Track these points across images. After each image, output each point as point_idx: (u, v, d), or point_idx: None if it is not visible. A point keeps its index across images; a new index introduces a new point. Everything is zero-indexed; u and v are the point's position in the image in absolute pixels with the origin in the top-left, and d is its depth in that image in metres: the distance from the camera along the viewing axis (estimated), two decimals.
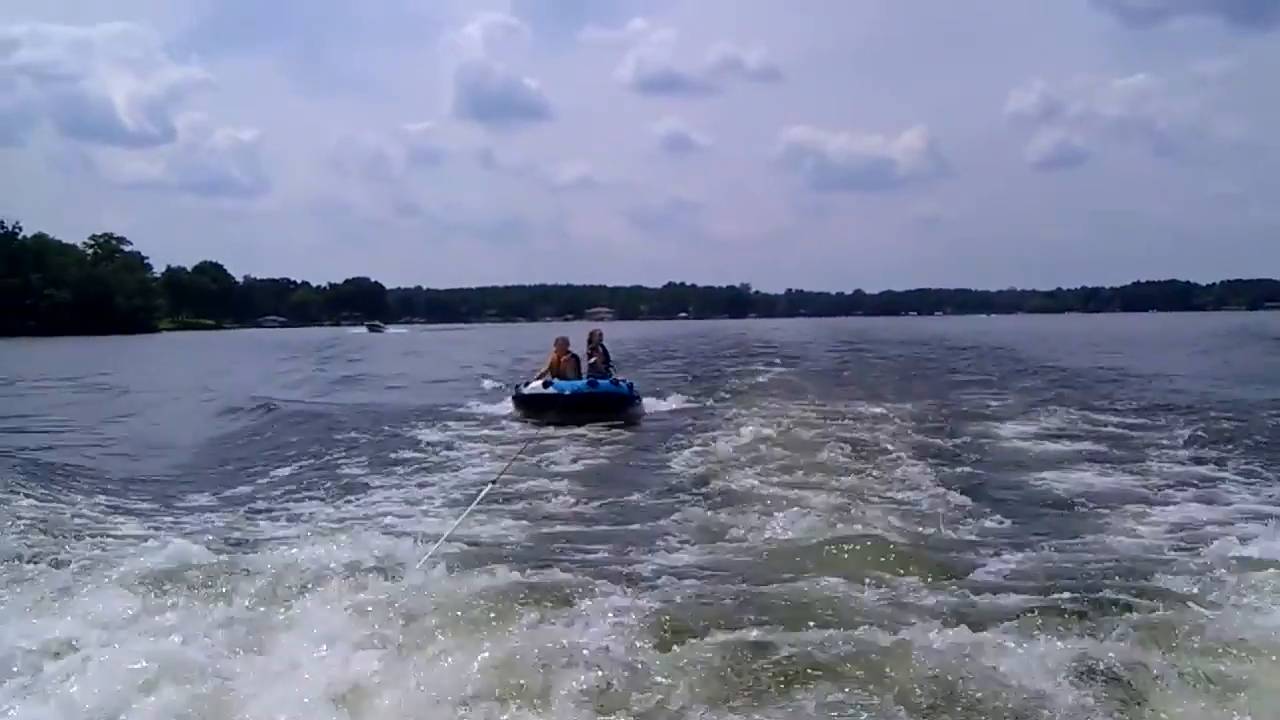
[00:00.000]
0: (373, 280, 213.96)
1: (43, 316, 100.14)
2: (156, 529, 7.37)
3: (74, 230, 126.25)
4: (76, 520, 7.53)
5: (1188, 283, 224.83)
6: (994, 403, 16.59)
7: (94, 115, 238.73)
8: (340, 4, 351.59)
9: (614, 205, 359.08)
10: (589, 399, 15.18)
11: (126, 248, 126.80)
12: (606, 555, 6.41)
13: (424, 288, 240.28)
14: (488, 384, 22.46)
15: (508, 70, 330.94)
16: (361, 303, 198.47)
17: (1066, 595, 4.85)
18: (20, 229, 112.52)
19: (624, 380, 16.64)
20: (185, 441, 14.47)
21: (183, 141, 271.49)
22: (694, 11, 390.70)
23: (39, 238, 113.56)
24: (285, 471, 10.99)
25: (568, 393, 15.17)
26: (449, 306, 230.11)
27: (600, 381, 15.93)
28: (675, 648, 4.19)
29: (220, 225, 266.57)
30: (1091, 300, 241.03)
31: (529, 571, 5.28)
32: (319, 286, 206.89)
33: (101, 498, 8.98)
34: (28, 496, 8.31)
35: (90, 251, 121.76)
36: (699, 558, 6.35)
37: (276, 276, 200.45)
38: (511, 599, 4.69)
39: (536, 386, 15.93)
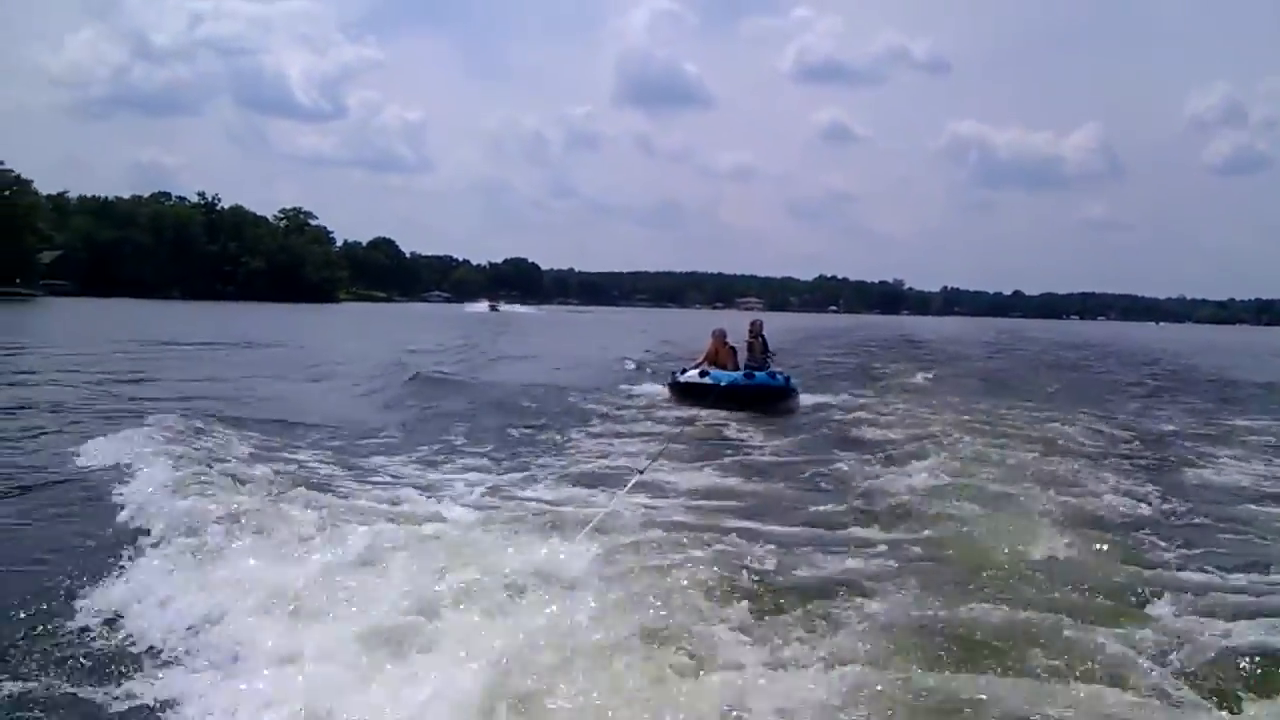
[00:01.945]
0: (530, 261, 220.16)
1: (240, 283, 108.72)
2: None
3: (247, 199, 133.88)
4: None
5: None
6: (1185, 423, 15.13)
7: (270, 89, 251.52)
8: None
9: (769, 194, 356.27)
10: (745, 390, 14.90)
11: (313, 221, 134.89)
12: (755, 551, 6.04)
13: (576, 269, 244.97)
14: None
15: (669, 56, 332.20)
16: (519, 282, 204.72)
17: None
18: (219, 200, 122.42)
19: (780, 372, 16.21)
20: (380, 409, 15.16)
21: (354, 118, 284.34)
22: (858, 0, 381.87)
23: (236, 209, 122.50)
24: (452, 443, 11.30)
25: (724, 383, 14.95)
26: (601, 288, 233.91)
27: (757, 373, 15.64)
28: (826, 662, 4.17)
29: (386, 200, 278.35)
30: (1265, 313, 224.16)
31: (677, 563, 5.35)
32: (479, 265, 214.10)
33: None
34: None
35: (282, 223, 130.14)
36: (855, 564, 6.07)
37: (439, 253, 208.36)
38: (660, 590, 4.84)
39: (693, 375, 15.76)
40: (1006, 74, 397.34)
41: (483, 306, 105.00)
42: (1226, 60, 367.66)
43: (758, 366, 16.15)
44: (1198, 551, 6.76)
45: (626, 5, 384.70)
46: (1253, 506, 8.53)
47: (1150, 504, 8.35)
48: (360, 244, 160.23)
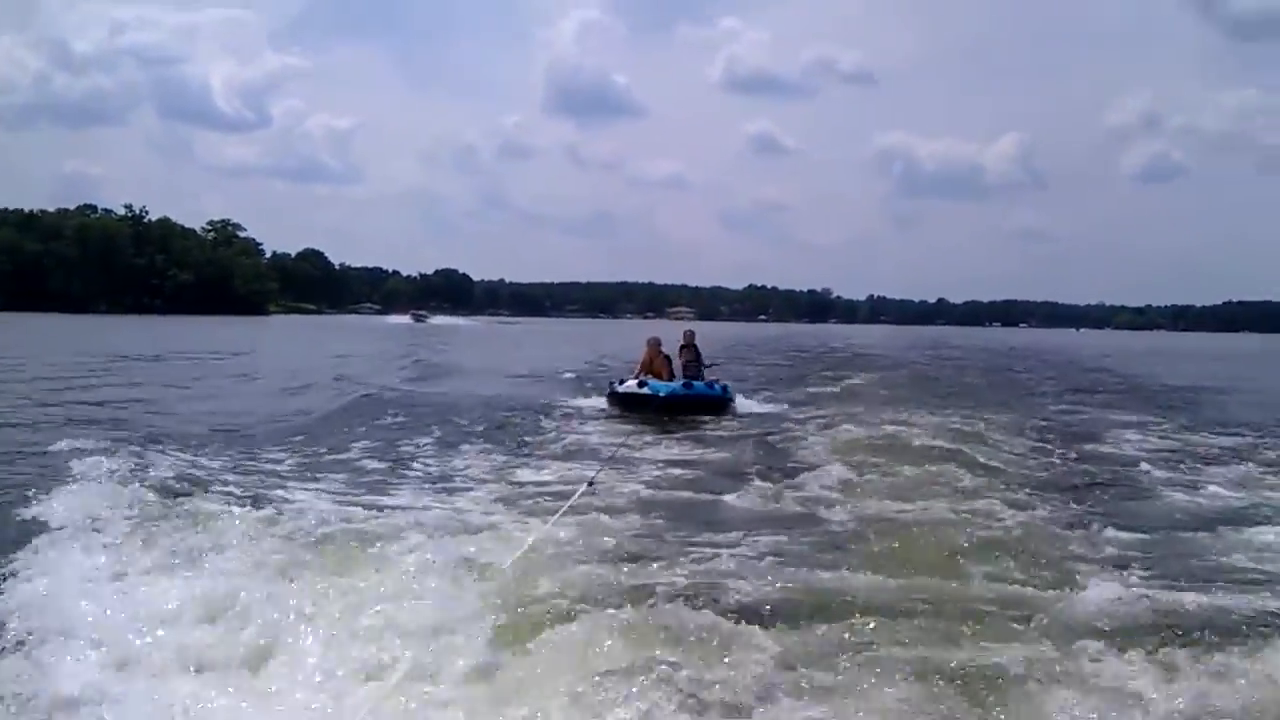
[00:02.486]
0: (460, 272, 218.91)
1: (167, 296, 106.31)
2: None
3: (172, 210, 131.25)
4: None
5: None
6: (1088, 413, 17.05)
7: (194, 99, 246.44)
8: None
9: (700, 205, 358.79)
10: (684, 400, 15.18)
11: (241, 233, 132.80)
12: (703, 551, 6.34)
13: (507, 280, 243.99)
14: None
15: (599, 66, 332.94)
16: (450, 293, 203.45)
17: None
18: (147, 212, 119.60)
19: (717, 381, 16.65)
20: (311, 418, 15.05)
21: (279, 127, 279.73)
22: (787, 12, 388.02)
23: (164, 221, 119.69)
24: (380, 458, 11.01)
25: (663, 394, 15.10)
26: (533, 300, 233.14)
27: (695, 383, 15.98)
28: (762, 640, 4.41)
29: (314, 211, 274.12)
30: (1181, 318, 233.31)
31: (623, 571, 5.39)
32: (409, 276, 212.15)
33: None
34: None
35: (210, 235, 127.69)
36: (785, 550, 6.48)
37: (369, 264, 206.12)
38: (603, 598, 4.87)
39: (631, 385, 15.80)
40: (930, 86, 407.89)
41: (406, 319, 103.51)
42: (1145, 70, 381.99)
43: (694, 376, 16.49)
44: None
45: (555, 15, 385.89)
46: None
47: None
48: (289, 255, 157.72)
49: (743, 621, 4.71)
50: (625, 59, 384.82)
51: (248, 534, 6.23)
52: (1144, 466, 10.91)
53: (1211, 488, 9.51)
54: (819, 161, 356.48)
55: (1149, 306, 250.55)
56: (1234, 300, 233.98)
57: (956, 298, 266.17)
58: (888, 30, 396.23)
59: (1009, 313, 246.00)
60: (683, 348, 17.26)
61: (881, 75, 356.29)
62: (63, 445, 9.74)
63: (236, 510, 6.86)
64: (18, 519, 6.93)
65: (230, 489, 8.14)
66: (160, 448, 10.21)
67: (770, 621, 4.81)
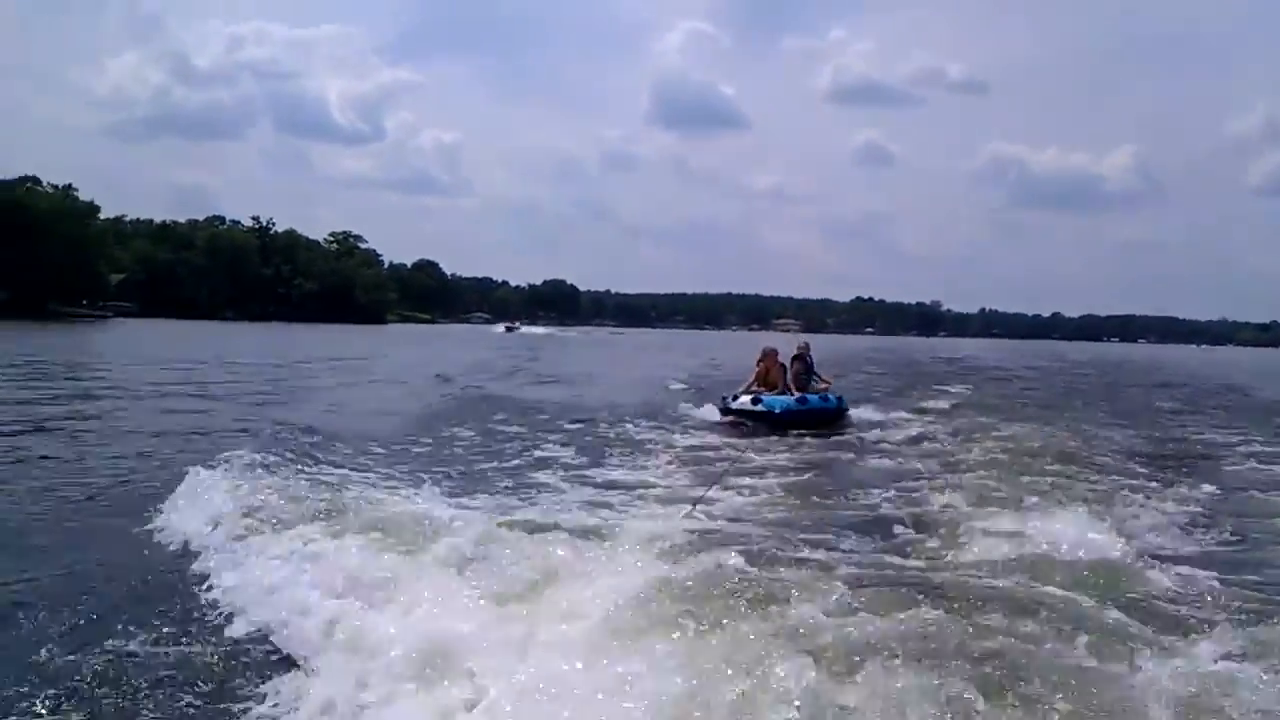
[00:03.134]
0: (568, 283, 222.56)
1: (293, 304, 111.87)
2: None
3: (285, 221, 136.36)
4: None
5: None
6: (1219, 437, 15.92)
7: (308, 113, 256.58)
8: (543, 13, 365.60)
9: (805, 216, 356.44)
10: (799, 415, 15.10)
11: (362, 245, 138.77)
12: (811, 568, 5.92)
13: (612, 291, 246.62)
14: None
15: (704, 78, 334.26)
16: (557, 303, 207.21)
17: None
18: (274, 224, 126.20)
19: (830, 393, 16.62)
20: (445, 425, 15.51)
21: (391, 140, 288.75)
22: (895, 21, 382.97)
23: (289, 233, 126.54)
24: (500, 459, 11.78)
25: (778, 410, 15.07)
26: (638, 310, 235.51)
27: (810, 397, 15.90)
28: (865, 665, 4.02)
29: (423, 221, 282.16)
30: None
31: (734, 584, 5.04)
32: (518, 286, 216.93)
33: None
34: None
35: (332, 246, 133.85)
36: (898, 575, 6.14)
37: (478, 274, 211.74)
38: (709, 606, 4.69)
39: (745, 401, 15.75)
40: (1043, 95, 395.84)
41: (500, 328, 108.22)
42: (1267, 80, 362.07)
43: (805, 387, 16.45)
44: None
45: (661, 27, 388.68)
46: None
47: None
48: (405, 266, 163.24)
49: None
50: (731, 70, 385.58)
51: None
52: None
53: None
54: (927, 172, 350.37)
55: (1274, 323, 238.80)
56: None
57: (1072, 311, 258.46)
58: (998, 38, 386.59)
59: (1127, 327, 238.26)
60: (795, 359, 17.15)
61: (992, 84, 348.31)
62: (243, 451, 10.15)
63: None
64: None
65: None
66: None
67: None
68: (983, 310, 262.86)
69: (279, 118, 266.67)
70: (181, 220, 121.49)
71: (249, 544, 6.81)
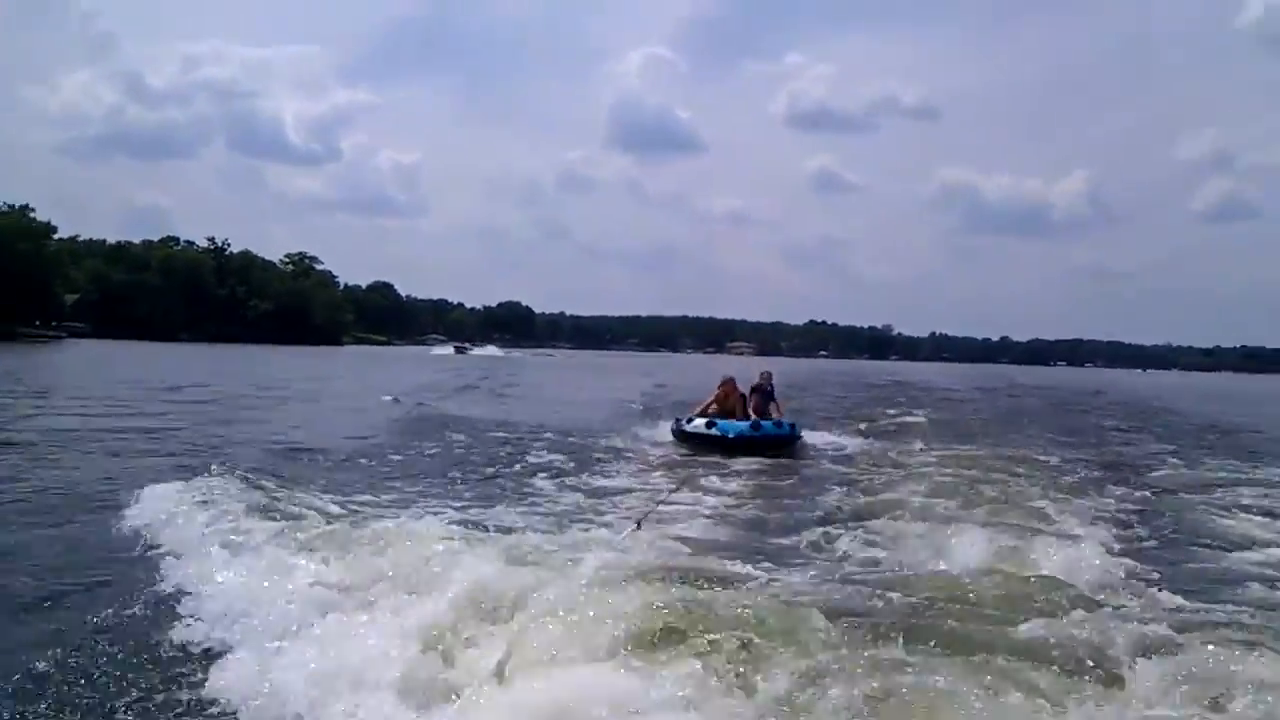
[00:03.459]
0: (523, 304, 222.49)
1: (248, 325, 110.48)
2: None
3: (239, 241, 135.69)
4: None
5: None
6: (1155, 452, 17.02)
7: (264, 133, 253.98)
8: (503, 35, 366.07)
9: (761, 240, 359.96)
10: (751, 441, 15.22)
11: (318, 265, 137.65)
12: (760, 581, 6.00)
13: (568, 313, 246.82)
14: None
15: (662, 101, 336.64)
16: (513, 325, 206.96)
17: None
18: (229, 245, 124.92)
19: (786, 421, 16.75)
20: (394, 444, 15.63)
21: (347, 161, 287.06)
22: (850, 48, 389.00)
23: (244, 254, 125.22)
24: (461, 479, 11.89)
25: (731, 435, 15.22)
26: (594, 332, 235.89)
27: (764, 423, 16.06)
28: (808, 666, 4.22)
29: (380, 243, 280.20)
30: (1250, 360, 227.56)
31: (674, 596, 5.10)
32: (473, 308, 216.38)
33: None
34: None
35: (288, 267, 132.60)
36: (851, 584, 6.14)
37: (434, 295, 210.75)
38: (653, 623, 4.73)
39: (699, 425, 15.90)
40: (995, 122, 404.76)
41: (449, 349, 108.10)
42: (1216, 107, 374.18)
43: (763, 414, 16.68)
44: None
45: (619, 51, 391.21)
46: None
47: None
48: (360, 287, 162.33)
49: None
50: (688, 94, 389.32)
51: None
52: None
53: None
54: (881, 197, 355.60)
55: (1217, 348, 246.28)
56: None
57: (1020, 335, 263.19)
58: (951, 66, 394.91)
59: (1074, 352, 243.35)
60: (754, 390, 17.35)
61: (945, 111, 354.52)
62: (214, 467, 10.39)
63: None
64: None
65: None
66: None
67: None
68: (933, 334, 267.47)
69: (233, 137, 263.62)
70: (136, 240, 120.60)
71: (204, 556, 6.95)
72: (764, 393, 17.30)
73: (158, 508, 8.47)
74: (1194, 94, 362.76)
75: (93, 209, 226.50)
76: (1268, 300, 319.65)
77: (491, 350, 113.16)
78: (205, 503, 8.46)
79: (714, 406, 16.82)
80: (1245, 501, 11.40)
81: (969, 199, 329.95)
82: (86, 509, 9.11)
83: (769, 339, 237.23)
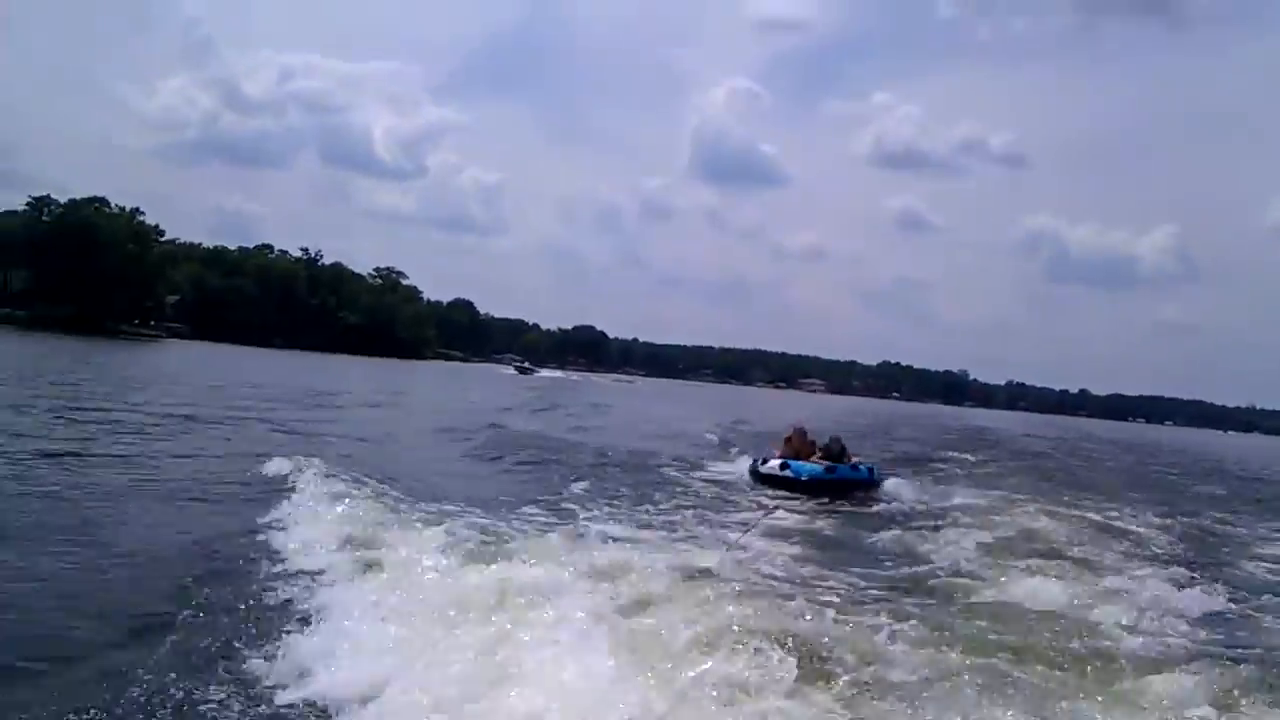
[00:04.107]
0: (597, 329, 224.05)
1: (336, 335, 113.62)
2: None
3: (325, 251, 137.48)
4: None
5: None
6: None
7: (354, 146, 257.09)
8: (591, 61, 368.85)
9: (838, 277, 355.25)
10: (825, 483, 15.54)
11: (404, 281, 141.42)
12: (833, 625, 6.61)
13: (640, 340, 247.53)
14: None
15: (746, 134, 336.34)
16: (586, 349, 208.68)
17: None
18: (321, 256, 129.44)
19: (862, 464, 17.03)
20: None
21: (433, 178, 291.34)
22: (939, 89, 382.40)
23: (336, 266, 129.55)
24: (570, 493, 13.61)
25: (804, 477, 15.58)
26: (666, 360, 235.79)
27: (839, 466, 16.32)
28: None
29: (460, 260, 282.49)
30: None
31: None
32: (549, 330, 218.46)
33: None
34: None
35: (376, 281, 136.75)
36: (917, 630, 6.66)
37: (509, 315, 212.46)
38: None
39: (774, 466, 16.35)
40: (1083, 171, 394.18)
41: (510, 370, 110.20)
42: None
43: (836, 459, 16.77)
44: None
45: (706, 82, 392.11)
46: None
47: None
48: (441, 303, 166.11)
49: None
50: (773, 129, 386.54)
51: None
52: None
53: None
54: (963, 241, 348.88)
55: None
56: None
57: (1100, 389, 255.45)
58: (1040, 112, 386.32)
59: (1154, 409, 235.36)
60: (826, 445, 17.48)
61: (1032, 157, 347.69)
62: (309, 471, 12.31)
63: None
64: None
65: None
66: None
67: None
68: (1010, 382, 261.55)
69: (324, 149, 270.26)
70: (231, 246, 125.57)
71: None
72: (832, 452, 17.26)
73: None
74: None
75: (184, 212, 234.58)
76: None
77: (555, 373, 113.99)
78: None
79: (786, 452, 17.20)
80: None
81: (1053, 247, 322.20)
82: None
83: (841, 377, 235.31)
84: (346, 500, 10.44)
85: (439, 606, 6.80)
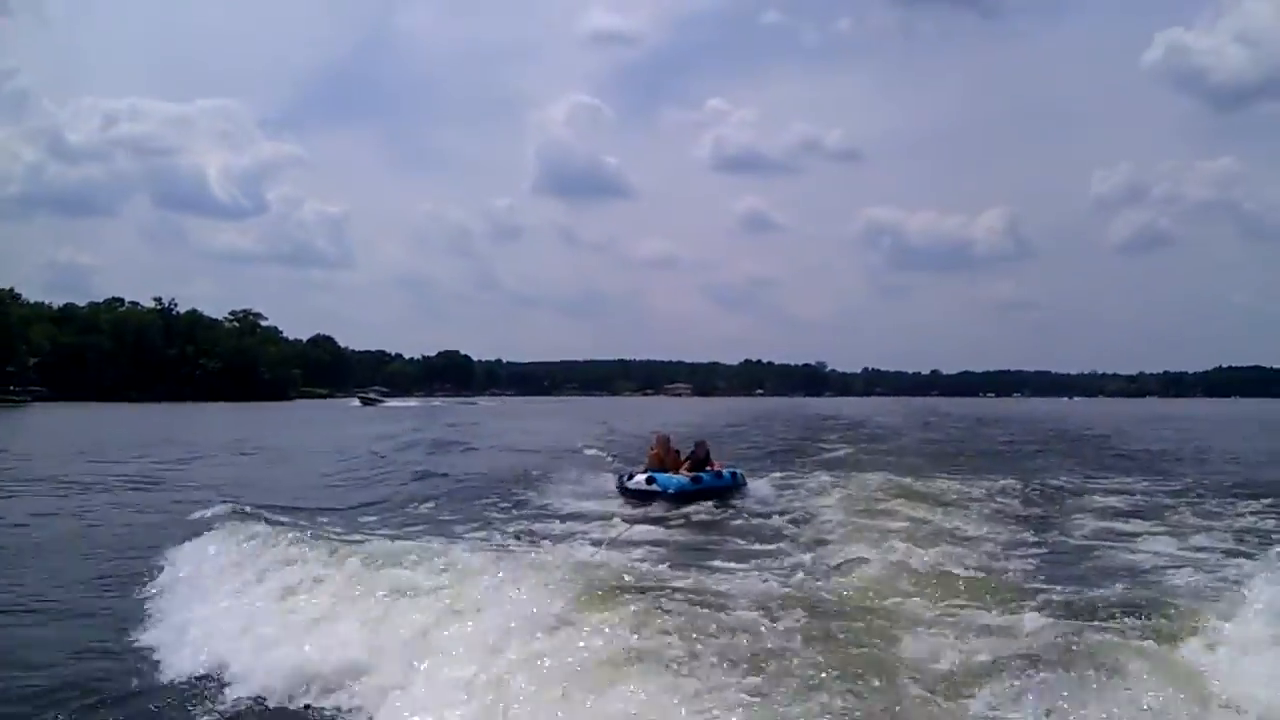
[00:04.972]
0: (461, 354, 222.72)
1: (197, 384, 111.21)
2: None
3: (165, 296, 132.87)
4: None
5: (1272, 369, 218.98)
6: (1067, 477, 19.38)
7: (187, 188, 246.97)
8: (428, 85, 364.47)
9: (692, 282, 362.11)
10: (690, 494, 15.73)
11: (263, 323, 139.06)
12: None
13: (504, 360, 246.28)
14: None
15: (589, 148, 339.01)
16: (452, 374, 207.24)
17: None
18: (175, 304, 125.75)
19: (726, 469, 17.45)
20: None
21: (274, 214, 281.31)
22: (771, 93, 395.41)
23: (191, 313, 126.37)
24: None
25: (671, 490, 15.75)
26: (532, 378, 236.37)
27: (703, 475, 16.52)
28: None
29: (309, 295, 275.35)
30: (1173, 385, 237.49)
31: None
32: (412, 359, 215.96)
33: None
34: None
35: (233, 325, 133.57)
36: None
37: (370, 348, 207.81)
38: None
39: (640, 480, 16.37)
40: (916, 162, 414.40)
41: (355, 402, 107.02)
42: (1127, 144, 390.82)
43: (700, 468, 17.03)
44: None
45: (546, 99, 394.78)
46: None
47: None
48: (301, 341, 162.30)
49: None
50: (615, 141, 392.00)
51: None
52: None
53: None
54: (808, 237, 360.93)
55: (1141, 374, 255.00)
56: (1224, 366, 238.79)
57: (950, 368, 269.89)
58: (870, 108, 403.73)
59: (1002, 383, 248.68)
60: (689, 456, 17.69)
61: (867, 152, 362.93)
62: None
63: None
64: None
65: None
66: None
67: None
68: (865, 369, 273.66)
69: (157, 193, 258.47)
70: (70, 301, 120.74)
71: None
72: (697, 459, 17.53)
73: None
74: (1107, 130, 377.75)
75: (16, 270, 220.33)
76: (1186, 326, 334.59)
77: (409, 402, 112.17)
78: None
79: (651, 463, 17.52)
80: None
81: (894, 236, 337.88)
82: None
83: (706, 379, 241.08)
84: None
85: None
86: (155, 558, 11.13)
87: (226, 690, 7.02)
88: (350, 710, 6.61)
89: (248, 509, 12.68)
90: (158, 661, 7.73)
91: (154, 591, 9.90)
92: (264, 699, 6.87)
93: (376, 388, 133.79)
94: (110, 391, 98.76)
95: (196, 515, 12.82)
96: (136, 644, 8.25)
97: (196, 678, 7.28)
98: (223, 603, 8.80)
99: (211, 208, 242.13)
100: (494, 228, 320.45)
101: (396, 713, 6.28)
